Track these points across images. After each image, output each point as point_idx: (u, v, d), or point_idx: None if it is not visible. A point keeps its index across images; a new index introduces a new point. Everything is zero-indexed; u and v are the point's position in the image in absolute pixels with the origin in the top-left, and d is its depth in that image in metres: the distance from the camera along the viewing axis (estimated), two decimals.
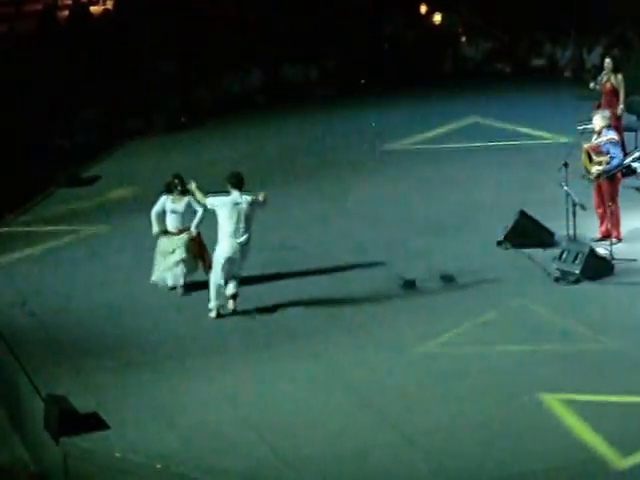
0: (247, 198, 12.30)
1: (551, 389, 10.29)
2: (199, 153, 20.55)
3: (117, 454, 9.71)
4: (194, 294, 13.21)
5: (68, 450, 10.03)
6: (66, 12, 26.47)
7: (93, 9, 26.81)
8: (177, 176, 13.24)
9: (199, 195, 12.76)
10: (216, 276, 12.37)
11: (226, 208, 12.24)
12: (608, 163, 13.52)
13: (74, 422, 10.12)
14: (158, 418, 10.33)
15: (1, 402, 12.39)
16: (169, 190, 13.24)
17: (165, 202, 13.22)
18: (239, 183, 12.35)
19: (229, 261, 12.30)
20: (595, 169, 13.55)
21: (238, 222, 12.19)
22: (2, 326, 12.74)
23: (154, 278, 13.31)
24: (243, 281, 12.73)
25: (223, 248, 12.28)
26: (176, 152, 20.66)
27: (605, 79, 17.06)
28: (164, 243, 13.22)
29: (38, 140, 20.55)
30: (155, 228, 13.27)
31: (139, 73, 23.65)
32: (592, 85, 17.36)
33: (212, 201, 12.44)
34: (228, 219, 12.20)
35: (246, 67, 24.87)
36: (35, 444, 11.00)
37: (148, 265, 14.28)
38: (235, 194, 12.29)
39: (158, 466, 9.47)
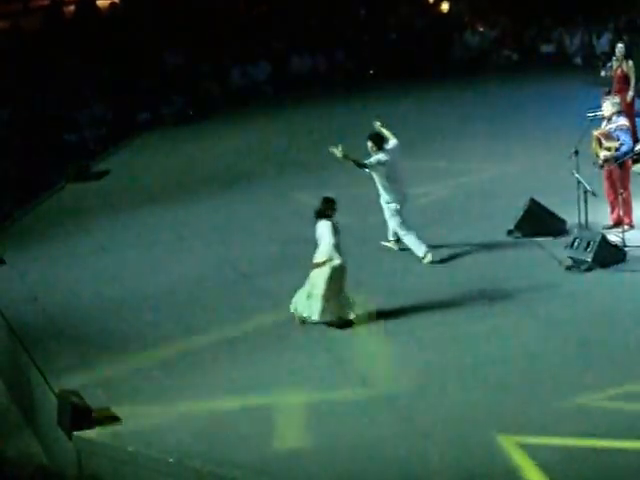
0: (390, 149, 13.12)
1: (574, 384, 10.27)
2: (207, 145, 20.56)
3: (130, 448, 9.71)
4: (203, 287, 13.22)
5: (81, 445, 10.04)
6: (72, 7, 26.51)
7: (100, 3, 26.81)
8: (332, 200, 11.97)
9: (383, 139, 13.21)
10: (408, 228, 13.14)
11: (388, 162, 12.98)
12: (618, 149, 13.47)
13: (87, 417, 10.12)
14: (170, 412, 10.31)
15: (14, 398, 12.42)
16: (329, 215, 11.75)
17: (337, 229, 11.72)
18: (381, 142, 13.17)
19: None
20: (604, 154, 13.49)
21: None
22: (14, 322, 12.75)
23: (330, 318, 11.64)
24: (251, 276, 12.84)
25: (399, 199, 13.05)
26: (184, 145, 20.69)
27: (616, 65, 17.00)
28: (342, 271, 11.70)
29: (47, 135, 20.59)
30: (340, 259, 11.61)
31: (147, 67, 23.66)
32: (603, 73, 17.29)
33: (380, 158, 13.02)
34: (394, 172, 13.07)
35: (254, 59, 24.87)
36: (48, 439, 11.03)
37: (156, 260, 14.32)
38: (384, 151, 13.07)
39: (171, 460, 9.46)
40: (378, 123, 13.50)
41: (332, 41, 25.90)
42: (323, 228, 11.59)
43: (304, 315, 11.65)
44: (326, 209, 11.75)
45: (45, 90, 21.83)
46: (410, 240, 13.24)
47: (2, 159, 18.92)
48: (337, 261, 11.51)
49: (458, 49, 26.37)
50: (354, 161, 12.95)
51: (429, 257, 13.12)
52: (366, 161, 13.03)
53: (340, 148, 12.69)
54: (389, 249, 13.64)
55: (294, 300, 11.74)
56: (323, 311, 11.54)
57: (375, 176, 13.16)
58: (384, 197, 13.26)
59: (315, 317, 11.58)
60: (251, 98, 23.63)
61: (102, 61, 23.31)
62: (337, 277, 11.54)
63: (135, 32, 24.82)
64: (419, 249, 13.16)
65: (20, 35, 24.41)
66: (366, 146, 13.19)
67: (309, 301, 11.60)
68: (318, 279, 11.54)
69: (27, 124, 20.56)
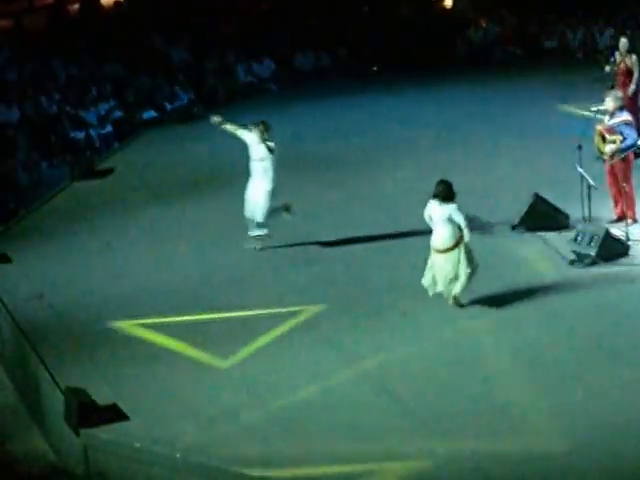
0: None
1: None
2: (212, 143, 20.56)
3: (137, 444, 9.76)
4: (209, 284, 13.27)
5: (88, 442, 10.09)
6: (77, 5, 26.57)
7: (104, 1, 26.87)
8: (451, 182, 11.71)
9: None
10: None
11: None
12: (622, 143, 13.49)
13: (94, 414, 10.18)
14: (176, 408, 10.36)
15: (21, 395, 12.47)
16: (452, 198, 11.75)
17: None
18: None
19: None
20: (609, 148, 13.53)
21: None
22: (20, 319, 12.80)
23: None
24: (256, 273, 13.13)
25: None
26: (190, 142, 20.71)
27: (619, 60, 17.03)
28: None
29: (52, 133, 20.63)
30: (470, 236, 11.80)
31: (151, 64, 23.70)
32: (608, 69, 17.32)
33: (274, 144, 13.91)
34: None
35: (258, 57, 24.90)
36: (55, 436, 11.07)
37: (162, 257, 14.35)
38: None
39: (178, 455, 9.51)
40: (217, 119, 14.29)
41: (334, 39, 25.92)
42: (451, 211, 11.60)
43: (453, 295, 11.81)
44: (451, 192, 11.67)
45: (50, 89, 21.86)
46: (263, 221, 13.94)
47: (9, 157, 18.97)
48: (468, 237, 11.67)
49: (461, 45, 26.37)
50: (267, 145, 13.87)
51: (259, 244, 13.99)
52: (272, 146, 13.88)
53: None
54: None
55: (428, 282, 11.83)
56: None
57: (270, 161, 13.90)
58: (271, 182, 13.92)
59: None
60: (256, 95, 23.66)
61: (107, 59, 23.35)
62: (470, 252, 11.73)
63: (139, 30, 24.85)
64: (260, 231, 13.98)
65: (24, 34, 24.47)
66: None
67: (451, 284, 11.72)
68: (454, 261, 11.65)
69: (33, 122, 20.60)
